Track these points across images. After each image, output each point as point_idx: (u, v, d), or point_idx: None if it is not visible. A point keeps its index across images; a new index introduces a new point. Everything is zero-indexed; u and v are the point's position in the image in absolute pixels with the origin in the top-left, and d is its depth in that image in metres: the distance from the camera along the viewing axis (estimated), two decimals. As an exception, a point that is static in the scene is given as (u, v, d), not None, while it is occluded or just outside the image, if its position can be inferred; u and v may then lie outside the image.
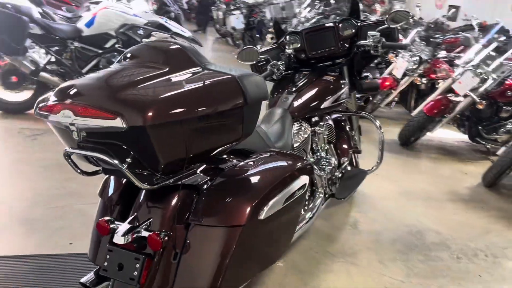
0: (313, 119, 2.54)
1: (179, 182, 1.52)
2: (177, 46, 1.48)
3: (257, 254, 1.65)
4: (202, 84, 1.37)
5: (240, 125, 1.52)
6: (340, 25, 2.60)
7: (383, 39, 2.51)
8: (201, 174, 1.62)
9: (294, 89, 2.51)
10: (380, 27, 2.56)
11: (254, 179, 1.64)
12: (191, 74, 1.41)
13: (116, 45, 4.17)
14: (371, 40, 2.51)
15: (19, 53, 3.83)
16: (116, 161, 1.30)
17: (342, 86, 2.59)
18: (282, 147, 2.16)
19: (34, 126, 4.01)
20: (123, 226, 1.50)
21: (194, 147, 1.38)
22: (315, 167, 2.43)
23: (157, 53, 1.44)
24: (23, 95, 4.28)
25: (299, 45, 2.61)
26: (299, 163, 1.83)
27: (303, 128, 2.41)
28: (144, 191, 1.59)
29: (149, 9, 5.03)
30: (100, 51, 4.14)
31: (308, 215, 2.30)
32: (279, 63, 2.56)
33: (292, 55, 2.63)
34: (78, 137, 1.30)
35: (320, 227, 2.77)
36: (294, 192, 1.71)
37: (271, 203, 1.58)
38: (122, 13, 4.18)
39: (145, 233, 1.46)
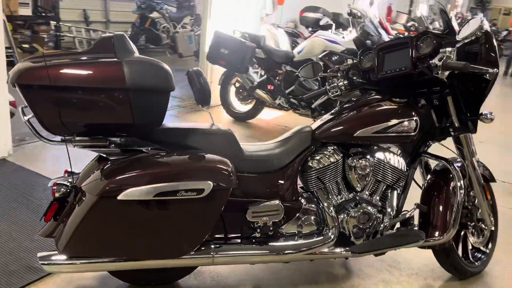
0: (352, 149, 2.12)
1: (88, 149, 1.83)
2: (110, 37, 1.77)
3: (115, 236, 1.73)
4: (83, 62, 1.64)
5: (128, 109, 1.66)
6: (418, 41, 2.04)
7: (450, 57, 1.83)
8: (118, 150, 1.84)
9: (338, 109, 2.19)
10: (459, 44, 1.87)
11: (140, 165, 1.73)
12: (93, 56, 1.68)
13: (314, 71, 4.42)
14: (437, 58, 1.88)
15: (240, 71, 4.71)
16: (24, 117, 1.74)
17: (400, 117, 2.04)
18: (260, 161, 1.99)
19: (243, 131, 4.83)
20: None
21: (71, 115, 1.65)
22: (328, 206, 2.05)
23: (97, 41, 1.78)
24: (248, 107, 5.17)
25: (370, 63, 2.22)
26: (205, 168, 1.74)
27: (329, 155, 2.07)
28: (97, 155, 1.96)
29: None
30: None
31: (295, 243, 2.00)
32: (336, 81, 2.28)
33: (350, 73, 2.27)
34: None
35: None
36: (177, 191, 1.66)
37: (134, 188, 1.64)
38: (325, 41, 4.41)
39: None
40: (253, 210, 1.93)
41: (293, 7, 6.63)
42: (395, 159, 2.13)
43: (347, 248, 2.06)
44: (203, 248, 1.87)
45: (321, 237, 2.04)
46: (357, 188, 2.11)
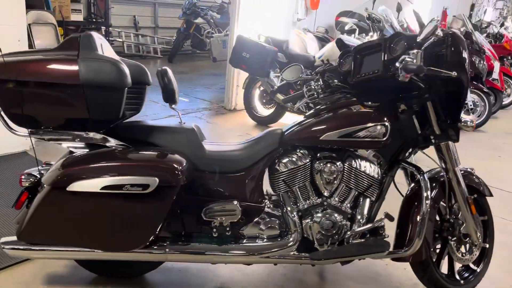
0: (321, 153, 2.06)
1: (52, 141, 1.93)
2: (78, 36, 1.87)
3: (67, 226, 1.81)
4: (40, 59, 1.74)
5: (83, 104, 1.74)
6: (392, 43, 1.95)
7: (411, 59, 1.75)
8: (83, 144, 1.93)
9: (312, 112, 2.14)
10: (426, 44, 1.78)
11: (93, 159, 1.81)
12: (56, 54, 1.79)
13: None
14: (399, 61, 1.80)
15: (261, 75, 4.73)
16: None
17: (367, 121, 1.96)
18: (221, 161, 2.00)
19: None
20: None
21: (33, 108, 1.76)
22: (292, 211, 2.01)
23: (65, 39, 1.89)
24: (270, 111, 5.16)
25: (349, 66, 2.15)
26: (152, 164, 1.78)
27: (296, 159, 2.03)
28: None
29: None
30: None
31: (253, 245, 1.99)
32: (313, 83, 2.23)
33: (326, 76, 2.21)
34: None
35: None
36: (123, 185, 1.71)
37: (82, 181, 1.71)
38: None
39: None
40: (209, 210, 1.94)
41: (328, 12, 6.55)
42: (367, 166, 2.04)
43: (309, 254, 2.01)
44: (157, 244, 1.91)
45: (282, 242, 2.00)
46: (325, 193, 2.05)
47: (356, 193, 2.06)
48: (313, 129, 2.03)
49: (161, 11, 10.34)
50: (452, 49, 1.80)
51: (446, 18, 11.56)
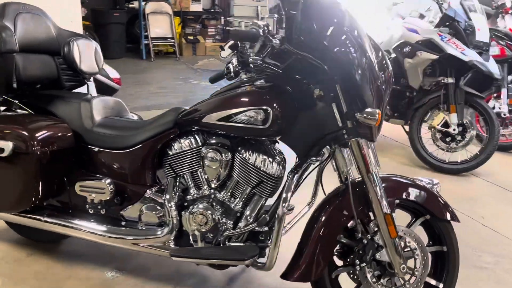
0: (212, 139, 1.79)
1: None
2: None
3: None
4: None
5: None
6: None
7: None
8: None
9: (215, 92, 1.88)
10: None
11: None
12: None
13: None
14: None
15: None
16: None
17: (245, 104, 1.64)
18: (107, 136, 1.90)
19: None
20: None
21: None
22: (170, 199, 1.80)
23: None
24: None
25: None
26: (9, 130, 1.80)
27: (184, 142, 1.80)
28: None
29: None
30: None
31: (124, 229, 1.88)
32: (233, 62, 1.94)
33: (239, 55, 1.88)
34: None
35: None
36: None
37: None
38: (404, 29, 3.58)
39: None
40: (80, 184, 1.88)
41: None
42: (260, 158, 1.69)
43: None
44: (39, 211, 1.93)
45: (155, 231, 1.82)
46: (211, 185, 1.79)
47: (250, 189, 1.74)
48: (197, 110, 1.77)
49: (285, 1, 10.33)
50: (303, 14, 1.36)
51: None
